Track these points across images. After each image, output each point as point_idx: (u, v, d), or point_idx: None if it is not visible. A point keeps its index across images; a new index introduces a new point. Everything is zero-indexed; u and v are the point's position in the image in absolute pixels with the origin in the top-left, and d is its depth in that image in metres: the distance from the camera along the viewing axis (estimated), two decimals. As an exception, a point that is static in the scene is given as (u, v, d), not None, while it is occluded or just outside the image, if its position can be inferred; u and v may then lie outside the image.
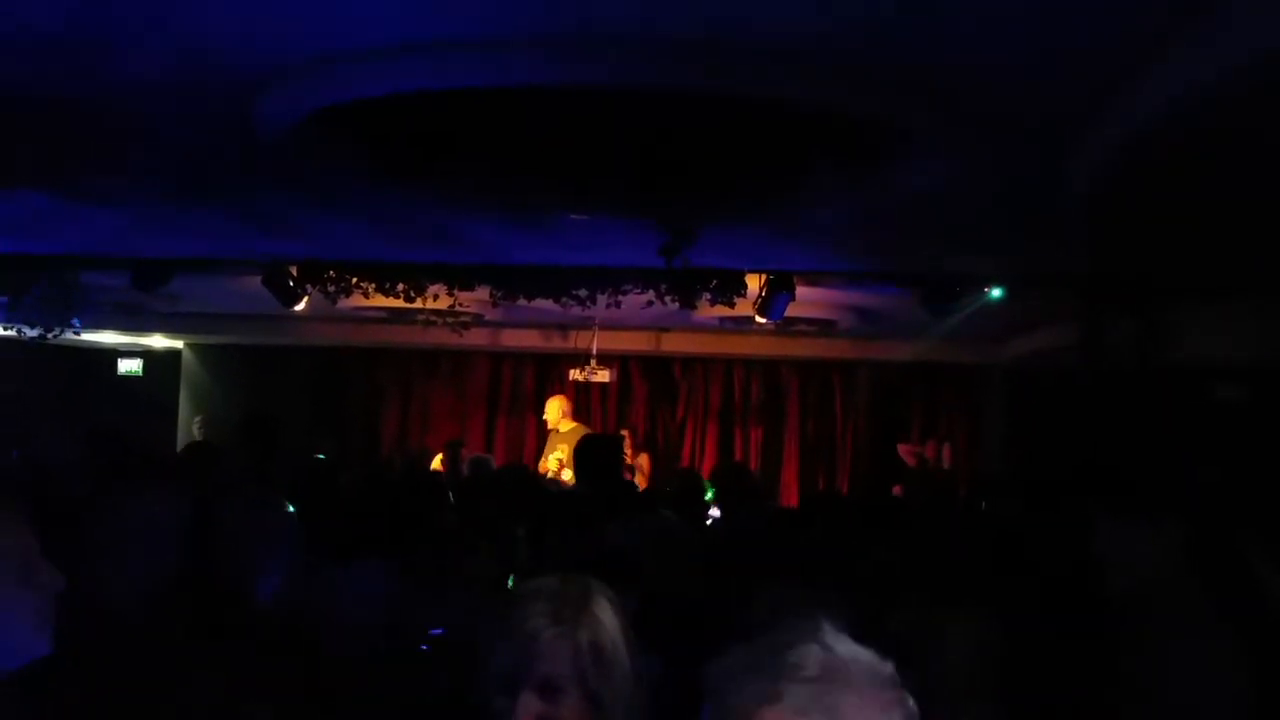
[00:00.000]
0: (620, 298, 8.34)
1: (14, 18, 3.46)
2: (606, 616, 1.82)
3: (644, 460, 10.48)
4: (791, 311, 8.42)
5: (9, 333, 10.12)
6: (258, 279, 8.45)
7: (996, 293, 7.83)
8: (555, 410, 9.77)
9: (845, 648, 1.35)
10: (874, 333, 10.44)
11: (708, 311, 8.64)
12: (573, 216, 6.13)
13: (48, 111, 4.56)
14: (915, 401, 11.95)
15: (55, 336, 9.06)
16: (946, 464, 10.82)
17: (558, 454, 9.20)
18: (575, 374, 10.33)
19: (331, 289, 8.56)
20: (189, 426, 12.05)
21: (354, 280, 8.49)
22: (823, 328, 10.01)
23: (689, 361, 12.27)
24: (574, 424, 9.69)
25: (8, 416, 10.51)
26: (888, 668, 1.35)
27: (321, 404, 11.90)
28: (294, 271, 8.51)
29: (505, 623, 1.82)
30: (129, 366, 12.67)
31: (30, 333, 8.94)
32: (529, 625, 1.79)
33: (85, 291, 8.89)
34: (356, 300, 8.91)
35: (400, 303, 8.80)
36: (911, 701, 1.35)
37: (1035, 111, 3.91)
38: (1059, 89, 3.65)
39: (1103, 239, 5.74)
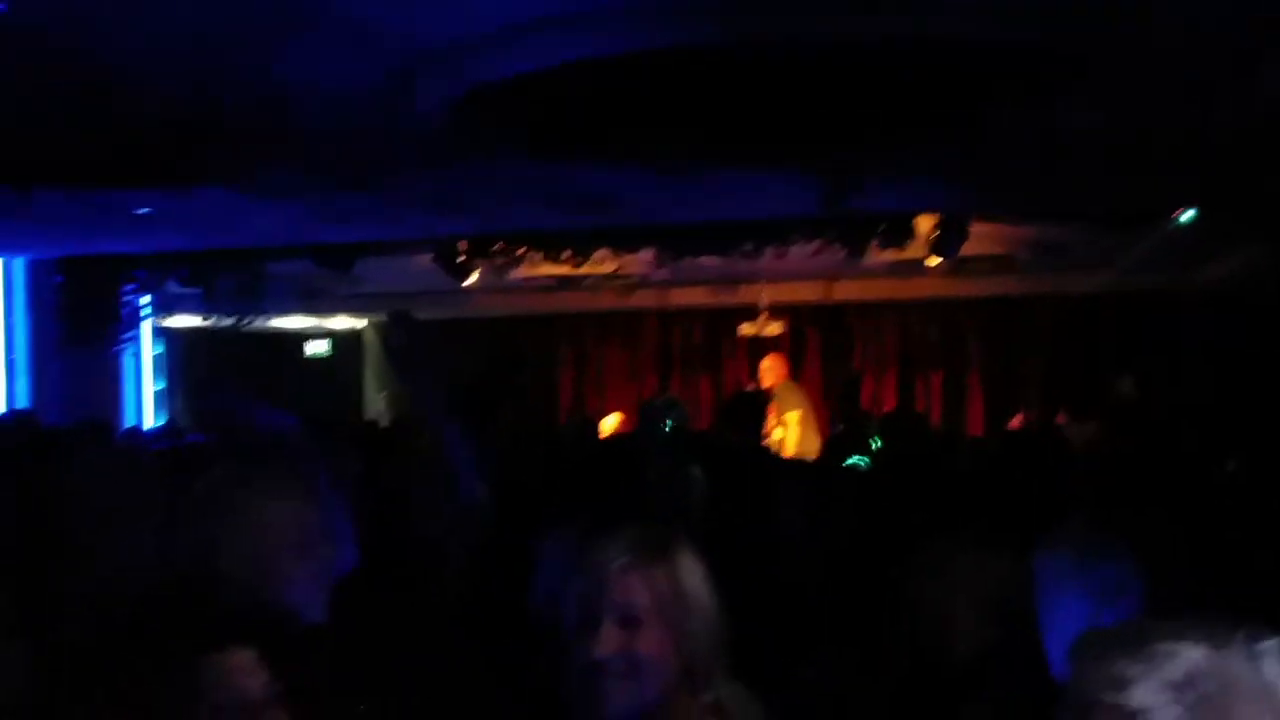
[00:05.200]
0: (787, 249, 8.23)
1: (183, 23, 3.58)
2: (687, 560, 1.87)
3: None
4: (966, 250, 8.16)
5: (205, 323, 10.66)
6: (430, 256, 8.66)
7: (1187, 216, 7.40)
8: (767, 367, 9.35)
9: (1271, 667, 1.22)
10: (1055, 265, 10.01)
11: (878, 256, 8.44)
12: (734, 172, 6.05)
13: (225, 111, 4.73)
14: (1104, 335, 11.44)
15: (246, 324, 9.47)
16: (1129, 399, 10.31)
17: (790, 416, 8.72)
18: (746, 328, 10.24)
19: (500, 262, 8.71)
20: (375, 403, 12.48)
21: (520, 251, 8.61)
22: (1000, 264, 9.66)
23: (862, 308, 12.01)
24: (782, 378, 9.32)
25: (209, 403, 11.04)
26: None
27: (499, 374, 12.13)
28: (463, 247, 8.69)
29: (583, 559, 1.88)
30: (316, 348, 13.17)
31: (223, 321, 9.36)
32: (608, 560, 1.84)
33: (271, 279, 9.26)
34: (525, 270, 9.05)
35: (567, 270, 8.88)
36: None
37: (1225, 24, 3.64)
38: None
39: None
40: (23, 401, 9.57)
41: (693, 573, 1.87)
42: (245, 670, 1.55)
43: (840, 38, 3.73)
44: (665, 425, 6.99)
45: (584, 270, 8.92)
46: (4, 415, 8.51)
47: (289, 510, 2.14)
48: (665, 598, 1.83)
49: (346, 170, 5.99)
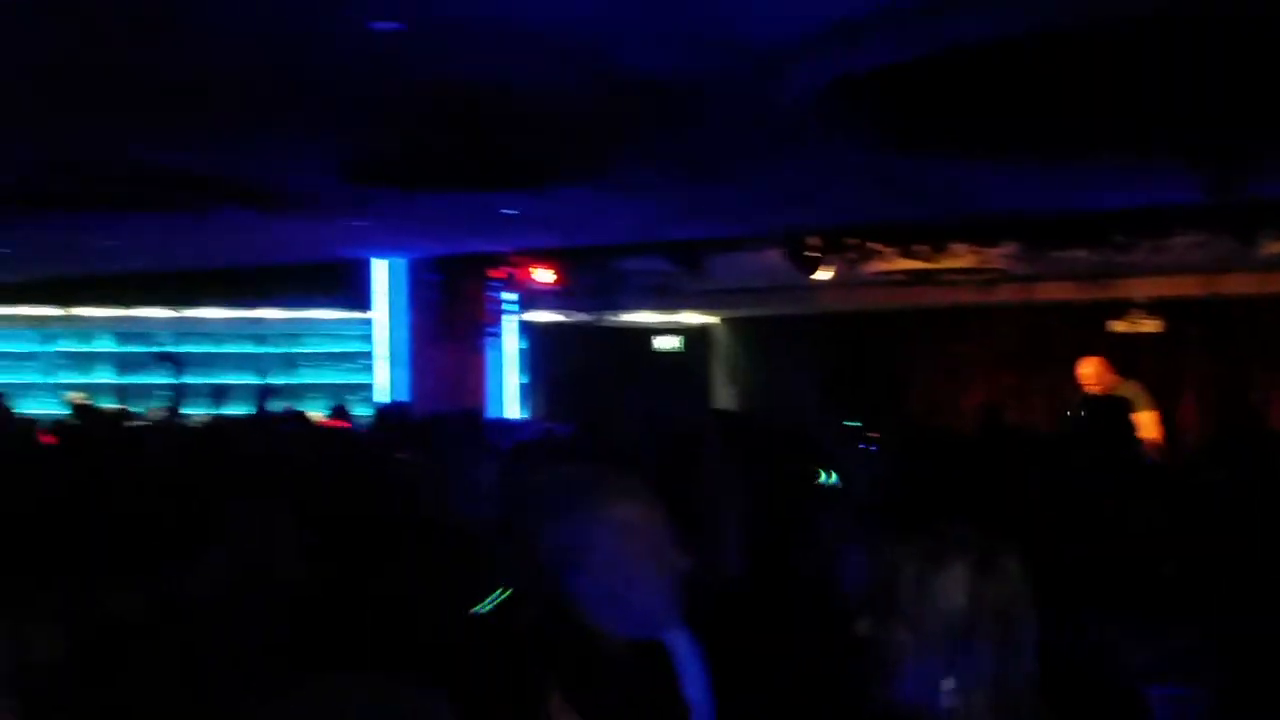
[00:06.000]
0: (1166, 240, 7.60)
1: (545, 27, 3.67)
2: (960, 564, 1.86)
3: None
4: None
5: (564, 318, 11.14)
6: (779, 252, 8.63)
7: None
8: (1092, 370, 8.93)
9: None
10: None
11: (1273, 248, 7.63)
12: (1107, 158, 5.61)
13: (585, 113, 4.85)
14: None
15: (602, 319, 9.81)
16: None
17: None
18: (1117, 325, 9.55)
19: (852, 256, 8.56)
20: (724, 397, 12.62)
21: (874, 245, 8.43)
22: None
23: (1253, 304, 10.90)
24: (1120, 381, 8.80)
25: (573, 394, 11.49)
26: None
27: (846, 370, 11.96)
28: (814, 242, 8.60)
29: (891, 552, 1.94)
30: (667, 343, 13.48)
31: (580, 317, 9.74)
32: (903, 558, 1.90)
33: (626, 276, 9.53)
34: (878, 265, 8.85)
35: (922, 264, 8.61)
36: None
37: None
38: None
39: None
40: (403, 390, 10.34)
41: (985, 590, 1.85)
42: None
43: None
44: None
45: (940, 264, 8.62)
46: (386, 405, 9.20)
47: (638, 511, 2.08)
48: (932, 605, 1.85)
49: (701, 166, 6.03)
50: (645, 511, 2.09)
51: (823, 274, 8.83)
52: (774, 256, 8.79)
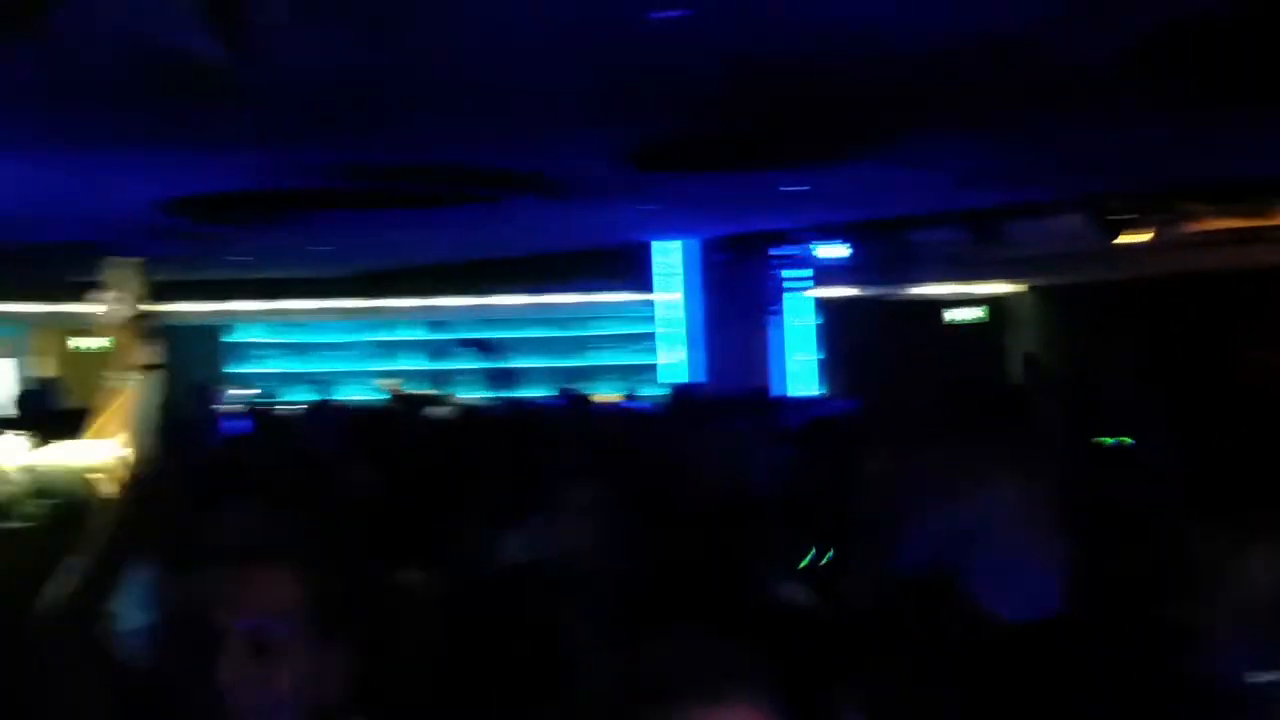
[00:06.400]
0: None
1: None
2: (1271, 547, 1.81)
3: None
4: None
5: (857, 293, 10.94)
6: (1084, 216, 8.16)
7: None
8: None
9: None
10: None
11: None
12: None
13: (874, 86, 4.69)
14: None
15: (896, 293, 9.58)
16: None
17: None
18: None
19: (1163, 217, 8.01)
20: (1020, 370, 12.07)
21: (1189, 205, 7.85)
22: None
23: None
24: None
25: (865, 370, 11.28)
26: None
27: (1163, 338, 11.20)
28: (1118, 204, 8.08)
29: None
30: (963, 315, 13.02)
31: (875, 291, 9.54)
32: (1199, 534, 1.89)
33: (920, 247, 9.26)
34: (1193, 226, 8.25)
35: (1246, 222, 7.96)
36: None
37: None
38: None
39: None
40: (694, 370, 10.41)
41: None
42: None
43: None
44: None
45: (1268, 222, 7.94)
46: (680, 385, 9.25)
47: (1030, 490, 2.00)
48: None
49: (1000, 130, 5.75)
50: (1036, 489, 2.03)
51: (1128, 238, 8.27)
52: (1080, 220, 8.31)
